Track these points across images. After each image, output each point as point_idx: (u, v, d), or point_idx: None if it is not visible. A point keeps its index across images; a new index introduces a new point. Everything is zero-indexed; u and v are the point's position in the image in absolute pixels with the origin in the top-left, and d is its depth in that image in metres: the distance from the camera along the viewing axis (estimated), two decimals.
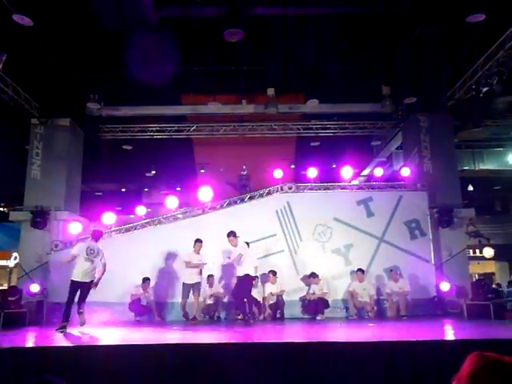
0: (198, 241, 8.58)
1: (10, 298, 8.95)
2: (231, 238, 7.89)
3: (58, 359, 4.09)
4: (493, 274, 17.29)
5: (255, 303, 8.58)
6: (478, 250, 16.10)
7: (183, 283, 8.40)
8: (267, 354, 4.15)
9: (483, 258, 16.18)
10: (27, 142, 10.97)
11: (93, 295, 8.11)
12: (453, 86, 10.63)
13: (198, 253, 8.52)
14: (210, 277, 9.30)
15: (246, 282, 7.74)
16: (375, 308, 9.30)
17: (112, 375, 3.92)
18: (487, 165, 16.62)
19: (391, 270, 9.40)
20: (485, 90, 9.34)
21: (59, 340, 6.16)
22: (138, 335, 6.63)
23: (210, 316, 9.24)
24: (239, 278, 7.77)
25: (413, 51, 10.15)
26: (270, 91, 10.79)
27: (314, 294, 9.25)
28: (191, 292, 8.31)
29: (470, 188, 15.54)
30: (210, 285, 9.29)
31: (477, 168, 16.51)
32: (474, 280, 10.67)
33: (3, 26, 7.85)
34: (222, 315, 9.38)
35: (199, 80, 10.51)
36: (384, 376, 3.79)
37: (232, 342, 5.37)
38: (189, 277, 8.34)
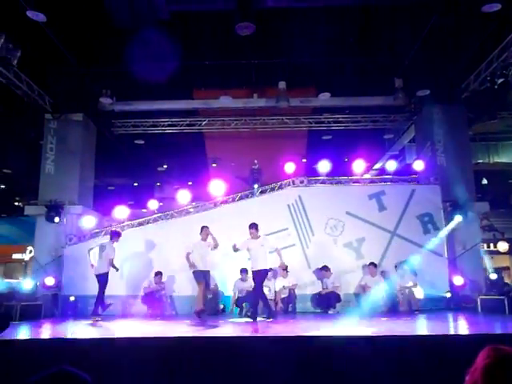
0: (205, 227, 8.18)
1: (25, 291, 9.11)
2: (253, 230, 7.65)
3: (73, 351, 4.16)
4: (507, 268, 17.06)
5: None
6: (492, 244, 15.90)
7: (196, 271, 7.84)
8: (283, 348, 4.17)
9: (497, 253, 15.97)
10: (41, 137, 11.11)
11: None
12: (467, 78, 10.46)
13: (205, 240, 8.13)
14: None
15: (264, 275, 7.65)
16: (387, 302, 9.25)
17: (126, 367, 3.98)
18: (502, 158, 16.37)
19: (395, 266, 9.32)
20: (500, 81, 9.18)
21: (75, 332, 6.27)
22: (151, 328, 6.70)
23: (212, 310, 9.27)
24: (259, 271, 7.53)
25: (426, 42, 10.00)
26: (282, 84, 10.73)
27: (326, 288, 9.26)
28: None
29: (485, 181, 15.32)
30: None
31: (491, 161, 16.27)
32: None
33: (18, 22, 7.94)
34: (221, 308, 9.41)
35: (210, 74, 10.49)
36: (397, 369, 3.78)
37: (247, 335, 5.40)
38: (203, 264, 7.89)
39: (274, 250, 7.88)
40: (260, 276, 7.52)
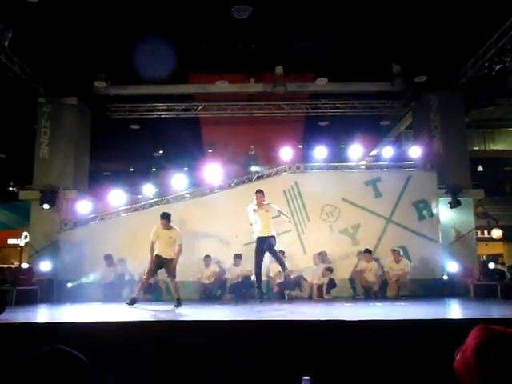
0: (163, 218, 7.17)
1: (21, 276, 9.13)
2: (260, 194, 7.50)
3: (69, 334, 4.17)
4: (501, 255, 17.23)
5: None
6: (486, 231, 16.03)
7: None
8: (276, 332, 4.20)
9: (491, 239, 16.12)
10: (35, 120, 10.99)
11: None
12: (465, 64, 10.41)
13: (167, 229, 7.17)
14: (207, 257, 9.38)
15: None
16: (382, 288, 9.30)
17: (121, 351, 4.00)
18: (498, 145, 16.42)
19: (395, 251, 9.28)
20: (498, 67, 9.13)
21: (70, 316, 6.29)
22: (148, 313, 6.73)
23: (207, 295, 9.33)
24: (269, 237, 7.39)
25: (424, 28, 9.91)
26: (279, 69, 10.62)
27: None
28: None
29: (480, 168, 15.37)
30: (207, 265, 9.37)
31: (487, 148, 16.31)
32: (482, 260, 10.63)
33: (9, 2, 7.78)
34: (218, 293, 9.49)
35: (207, 58, 10.37)
36: (386, 352, 3.82)
37: (240, 319, 5.43)
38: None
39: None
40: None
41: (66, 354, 1.04)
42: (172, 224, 7.29)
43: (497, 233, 15.94)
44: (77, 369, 1.01)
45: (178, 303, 6.99)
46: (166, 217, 7.18)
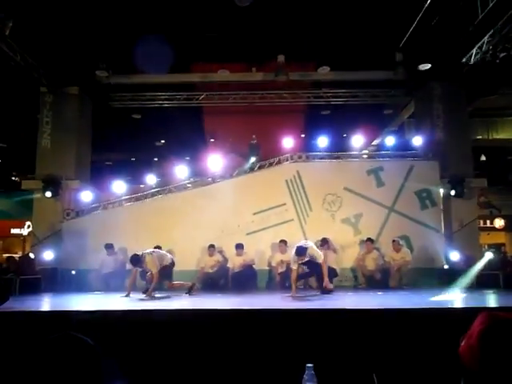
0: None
1: (25, 265, 9.20)
2: (301, 257, 7.31)
3: (75, 322, 4.21)
4: (503, 244, 17.24)
5: None
6: (488, 221, 16.01)
7: None
8: (280, 320, 4.23)
9: (494, 229, 16.11)
10: (37, 110, 10.97)
11: None
12: (469, 52, 10.29)
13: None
14: (211, 247, 9.40)
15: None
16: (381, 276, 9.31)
17: (126, 339, 4.04)
18: (501, 134, 16.33)
19: (394, 241, 9.29)
20: (502, 55, 9.05)
21: (76, 305, 6.35)
22: (151, 302, 6.79)
23: (208, 284, 9.29)
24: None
25: (428, 15, 9.80)
26: (281, 58, 10.55)
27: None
28: None
29: (483, 158, 15.32)
30: (210, 254, 9.40)
31: (490, 137, 16.23)
32: (484, 250, 10.63)
33: None
34: (221, 283, 9.46)
35: (209, 47, 10.29)
36: (391, 340, 3.85)
37: (246, 308, 5.47)
38: None
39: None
40: None
41: (77, 340, 1.08)
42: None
43: (499, 222, 15.94)
44: (88, 353, 1.04)
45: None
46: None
